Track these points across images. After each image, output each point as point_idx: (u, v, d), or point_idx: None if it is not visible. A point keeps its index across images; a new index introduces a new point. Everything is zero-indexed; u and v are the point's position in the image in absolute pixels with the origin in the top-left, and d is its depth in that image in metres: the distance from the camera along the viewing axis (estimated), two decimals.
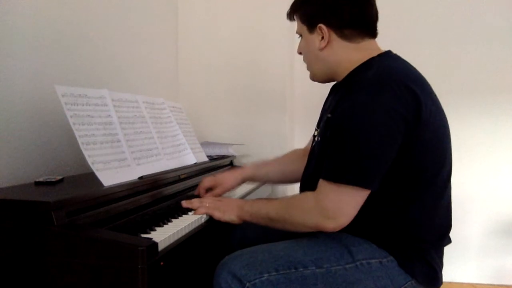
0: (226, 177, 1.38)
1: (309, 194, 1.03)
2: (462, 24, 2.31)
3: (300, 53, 1.22)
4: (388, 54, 1.10)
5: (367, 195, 0.97)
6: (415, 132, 0.96)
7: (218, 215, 1.18)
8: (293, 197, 1.09)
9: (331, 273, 0.98)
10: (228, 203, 1.21)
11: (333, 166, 0.98)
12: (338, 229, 0.98)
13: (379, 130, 0.94)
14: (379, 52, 1.10)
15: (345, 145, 0.97)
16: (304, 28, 1.14)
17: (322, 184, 0.99)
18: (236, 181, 1.39)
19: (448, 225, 1.10)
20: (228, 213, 1.17)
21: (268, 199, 1.20)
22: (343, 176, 0.95)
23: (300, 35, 1.18)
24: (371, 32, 1.12)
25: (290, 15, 1.19)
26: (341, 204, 0.97)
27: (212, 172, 1.75)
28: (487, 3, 2.29)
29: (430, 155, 1.01)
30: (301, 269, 0.98)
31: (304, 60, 1.21)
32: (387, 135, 0.94)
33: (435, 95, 1.06)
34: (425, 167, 1.01)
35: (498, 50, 2.28)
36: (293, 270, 0.98)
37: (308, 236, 1.10)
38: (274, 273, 0.97)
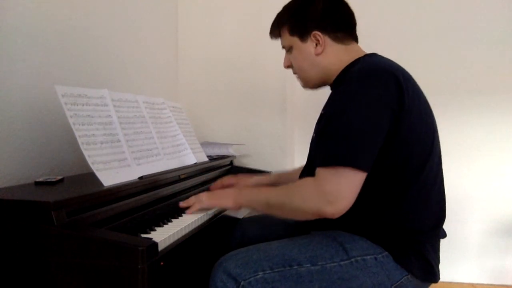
0: (247, 177, 1.42)
1: (308, 180, 1.03)
2: (461, 24, 2.31)
3: (288, 67, 1.25)
4: (373, 54, 1.16)
5: (363, 178, 0.97)
6: (400, 119, 0.99)
7: (213, 202, 1.18)
8: (293, 183, 1.10)
9: (326, 270, 0.99)
10: (225, 191, 1.23)
11: (327, 152, 0.99)
12: (338, 215, 0.97)
13: (367, 114, 0.97)
14: (365, 54, 1.16)
15: (337, 130, 0.99)
16: (295, 39, 1.18)
17: (319, 170, 1.00)
18: (256, 183, 1.41)
19: (441, 217, 1.11)
20: (224, 199, 1.18)
21: (267, 187, 1.21)
22: (339, 159, 0.96)
23: (289, 48, 1.21)
24: (355, 36, 1.19)
25: (275, 33, 1.23)
26: (340, 187, 0.96)
27: (212, 172, 1.75)
28: (486, 3, 2.29)
29: (416, 142, 1.03)
30: (296, 267, 0.99)
31: (295, 72, 1.25)
32: (375, 120, 0.97)
33: (418, 86, 1.09)
34: (411, 155, 1.03)
35: (498, 50, 2.28)
36: (287, 268, 0.98)
37: (303, 234, 1.10)
38: (269, 271, 0.98)
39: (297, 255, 1.00)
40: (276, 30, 1.22)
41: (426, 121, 1.07)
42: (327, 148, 1.00)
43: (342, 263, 1.00)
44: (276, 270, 0.98)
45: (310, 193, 1.00)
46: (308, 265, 0.99)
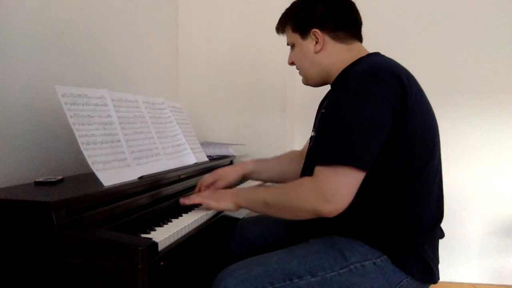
0: (227, 171, 1.38)
1: (306, 179, 1.03)
2: (462, 23, 2.31)
3: (292, 64, 1.27)
4: (376, 54, 1.16)
5: (362, 177, 0.97)
6: (403, 119, 0.98)
7: (212, 204, 1.18)
8: (290, 183, 1.09)
9: (326, 281, 0.98)
10: (224, 192, 1.22)
11: (327, 150, 0.99)
12: (335, 214, 0.97)
13: (369, 114, 0.97)
14: (367, 53, 1.16)
15: (338, 130, 0.99)
16: (297, 36, 1.20)
17: (318, 169, 0.99)
18: (237, 175, 1.38)
19: (439, 216, 1.11)
20: (223, 201, 1.17)
21: (265, 186, 1.20)
22: (338, 158, 0.96)
23: (292, 46, 1.23)
24: (359, 35, 1.19)
25: (281, 29, 1.25)
26: (338, 186, 0.96)
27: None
28: (487, 3, 2.29)
29: (418, 144, 1.03)
30: (296, 280, 0.97)
31: (297, 68, 1.26)
32: (377, 119, 0.97)
33: (421, 87, 1.09)
34: (414, 155, 1.02)
35: (498, 50, 2.28)
36: (288, 282, 0.97)
37: (301, 237, 1.09)
38: None
39: (297, 268, 0.99)
40: (281, 26, 1.25)
41: (428, 124, 1.07)
42: (327, 146, 1.00)
43: (341, 271, 0.99)
44: (277, 285, 0.96)
45: (307, 192, 1.00)
46: (308, 277, 0.98)
